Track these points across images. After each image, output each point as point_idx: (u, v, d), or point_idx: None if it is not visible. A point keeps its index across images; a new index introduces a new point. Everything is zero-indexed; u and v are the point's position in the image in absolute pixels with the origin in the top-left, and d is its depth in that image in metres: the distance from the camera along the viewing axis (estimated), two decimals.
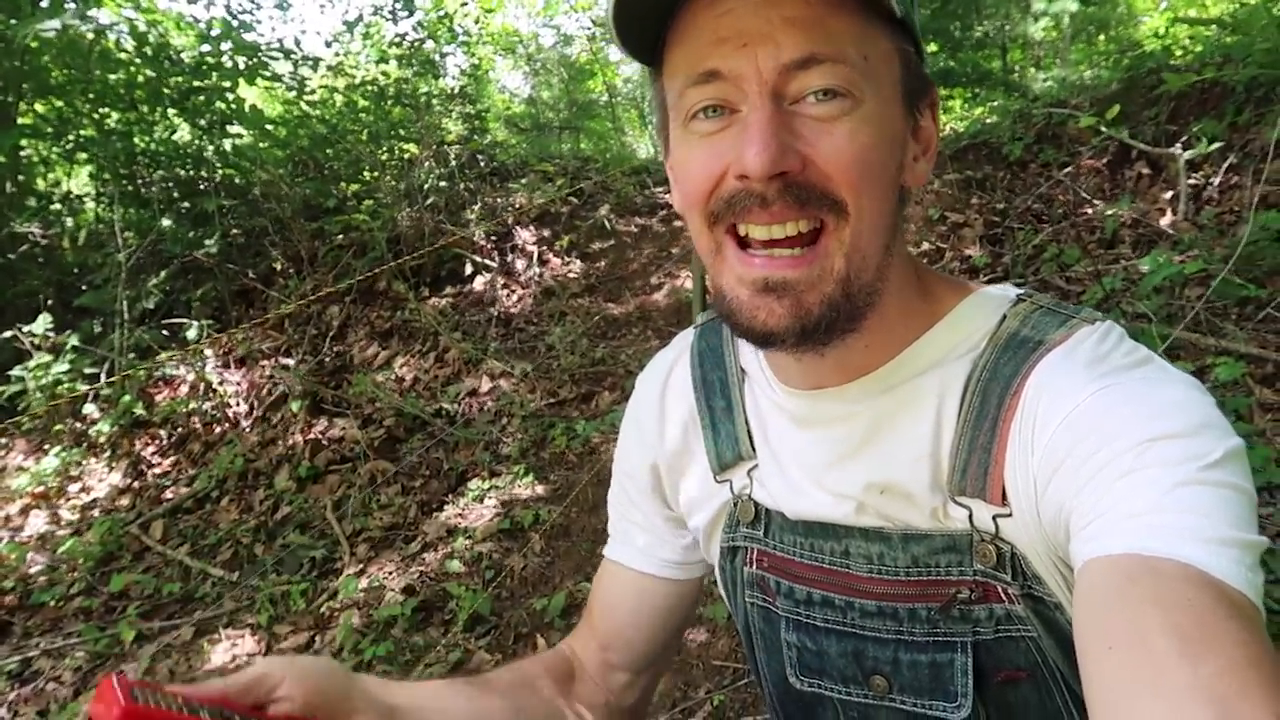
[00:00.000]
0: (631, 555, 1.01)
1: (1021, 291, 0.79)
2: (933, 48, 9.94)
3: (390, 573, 3.43)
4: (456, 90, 7.36)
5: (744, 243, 0.70)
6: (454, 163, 6.34)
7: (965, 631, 0.76)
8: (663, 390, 0.97)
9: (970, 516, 0.74)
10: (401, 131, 6.46)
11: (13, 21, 5.30)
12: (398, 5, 7.28)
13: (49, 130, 5.96)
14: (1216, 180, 4.27)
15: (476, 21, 8.19)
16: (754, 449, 0.87)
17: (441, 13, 7.64)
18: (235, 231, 5.87)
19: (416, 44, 7.16)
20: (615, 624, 1.01)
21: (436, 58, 7.43)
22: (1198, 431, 0.61)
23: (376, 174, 6.35)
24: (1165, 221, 4.24)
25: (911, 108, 0.73)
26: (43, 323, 4.94)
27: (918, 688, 0.79)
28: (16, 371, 4.77)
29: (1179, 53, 5.60)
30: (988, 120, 5.72)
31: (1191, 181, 4.31)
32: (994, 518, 0.72)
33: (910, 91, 0.72)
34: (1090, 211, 4.46)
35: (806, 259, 0.68)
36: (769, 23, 0.65)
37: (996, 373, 0.73)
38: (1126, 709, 0.51)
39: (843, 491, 0.80)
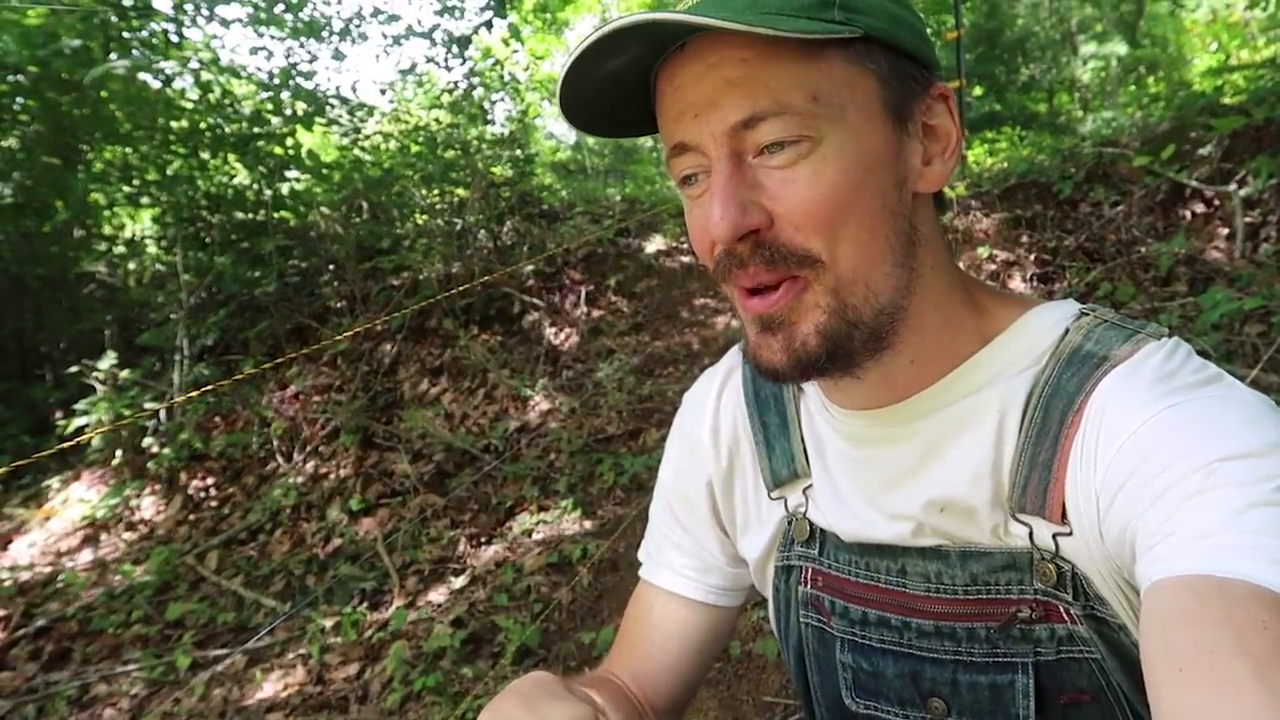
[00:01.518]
0: (677, 580, 0.97)
1: (1085, 306, 0.77)
2: (978, 91, 9.97)
3: (439, 605, 3.44)
4: (505, 135, 7.52)
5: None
6: (503, 205, 6.47)
7: (1026, 652, 0.74)
8: (715, 406, 0.95)
9: (1030, 534, 0.72)
10: (452, 175, 6.60)
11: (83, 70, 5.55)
12: (450, 54, 7.50)
13: (115, 176, 6.19)
14: (1275, 217, 4.21)
15: (526, 69, 8.38)
16: (809, 467, 0.86)
17: (492, 61, 7.83)
18: (291, 271, 6.02)
19: (467, 91, 7.34)
20: (657, 653, 0.96)
21: (486, 105, 7.61)
22: (1271, 451, 0.59)
23: (428, 216, 6.49)
24: (1221, 259, 4.18)
25: (900, 117, 0.70)
26: (107, 359, 5.10)
27: (977, 710, 0.77)
28: (81, 405, 4.92)
29: (1231, 93, 5.56)
30: (1037, 159, 5.70)
31: (1248, 219, 4.25)
32: (1054, 536, 0.70)
33: (896, 102, 0.70)
34: (1143, 250, 4.42)
35: (791, 290, 0.69)
36: (713, 88, 0.65)
37: (1059, 388, 0.71)
38: None
39: (900, 512, 0.78)
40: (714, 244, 0.70)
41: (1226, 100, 5.12)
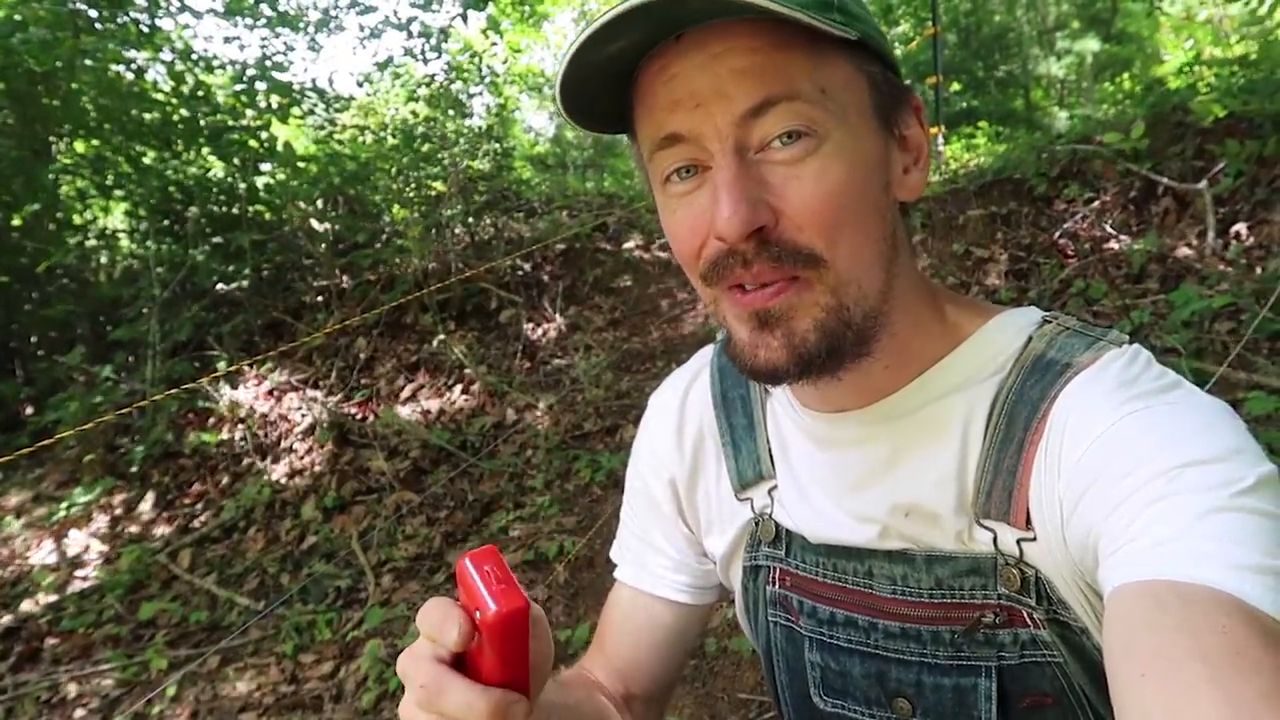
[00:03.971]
0: (647, 579, 0.98)
1: (1047, 314, 0.78)
2: (955, 87, 10.02)
3: (415, 603, 3.43)
4: (483, 129, 7.47)
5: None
6: (481, 199, 6.43)
7: (989, 656, 0.75)
8: (681, 406, 0.96)
9: (995, 540, 0.73)
10: (429, 168, 6.56)
11: (58, 64, 5.47)
12: (428, 47, 7.43)
13: (86, 168, 6.10)
14: (1244, 215, 4.25)
15: (504, 62, 8.33)
16: (774, 468, 0.87)
17: (470, 53, 7.78)
18: (266, 266, 5.97)
19: (445, 85, 7.29)
20: (631, 650, 0.98)
21: (464, 98, 7.56)
22: (1229, 457, 0.61)
23: (405, 210, 6.45)
24: (1192, 256, 4.22)
25: (888, 124, 0.72)
26: (77, 354, 5.03)
27: (941, 711, 0.78)
28: (53, 401, 4.85)
29: (1204, 89, 5.61)
30: (1012, 156, 5.73)
31: (1218, 216, 4.29)
32: (1018, 541, 0.71)
33: (884, 109, 0.71)
34: (1116, 246, 4.46)
35: (790, 287, 0.68)
36: (717, 78, 0.64)
37: (1023, 395, 0.72)
38: None
39: (866, 515, 0.79)
40: (704, 243, 0.69)
41: (1201, 98, 5.16)
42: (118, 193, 6.25)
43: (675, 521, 0.97)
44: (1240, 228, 4.22)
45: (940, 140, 6.56)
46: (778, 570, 0.88)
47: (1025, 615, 0.73)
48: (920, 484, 0.75)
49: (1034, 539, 0.70)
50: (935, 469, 0.75)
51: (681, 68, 0.66)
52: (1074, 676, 0.73)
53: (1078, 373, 0.70)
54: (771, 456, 0.87)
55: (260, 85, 6.42)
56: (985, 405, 0.73)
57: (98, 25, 5.81)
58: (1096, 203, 4.80)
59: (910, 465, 0.76)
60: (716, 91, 0.65)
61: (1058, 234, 4.69)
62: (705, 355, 0.99)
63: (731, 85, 0.64)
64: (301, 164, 6.49)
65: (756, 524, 0.89)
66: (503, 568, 0.58)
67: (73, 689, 3.25)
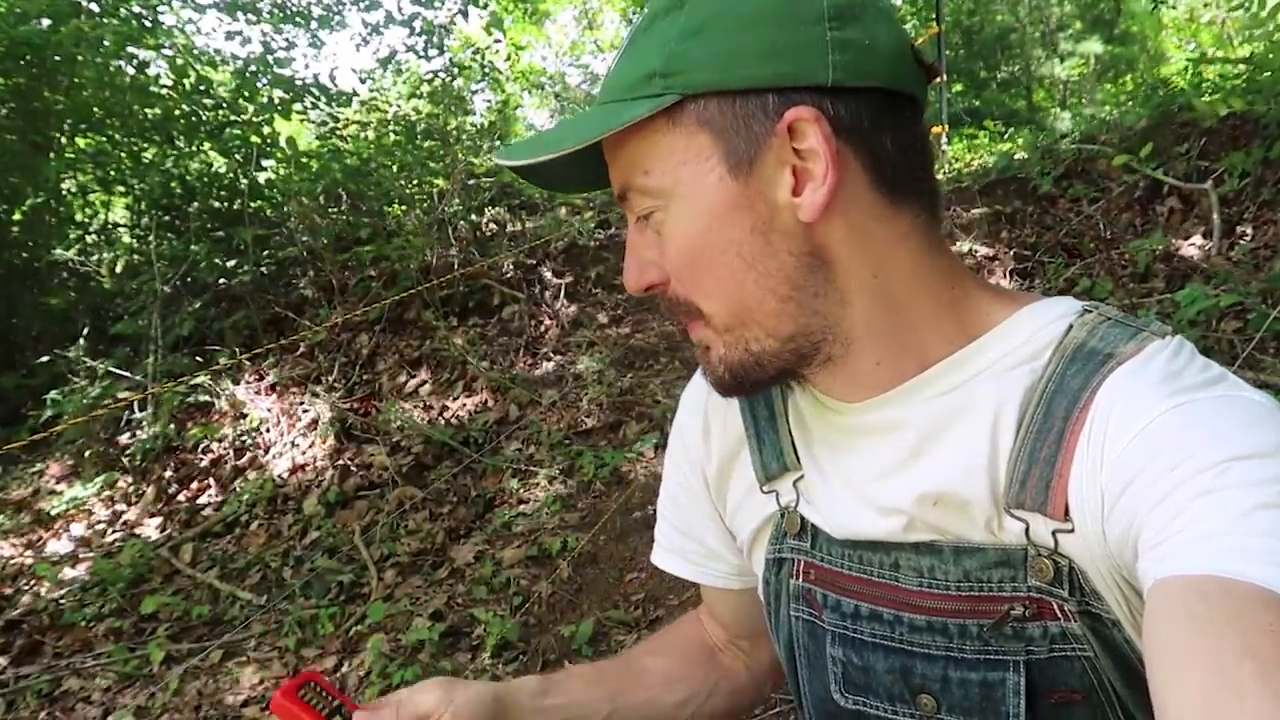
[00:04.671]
0: (690, 570, 1.03)
1: (1087, 303, 0.77)
2: (958, 87, 10.03)
3: (418, 598, 3.42)
4: (486, 126, 7.47)
5: None
6: (483, 196, 6.43)
7: (1018, 650, 0.73)
8: (707, 401, 0.95)
9: (1026, 530, 0.71)
10: (431, 165, 6.55)
11: (58, 58, 5.46)
12: (429, 43, 7.43)
13: (87, 163, 6.09)
14: (1249, 215, 4.25)
15: (507, 59, 8.33)
16: (799, 460, 0.85)
17: (472, 50, 7.78)
18: (267, 261, 5.96)
19: (446, 81, 7.29)
20: (717, 614, 1.08)
21: (466, 94, 7.55)
22: (1278, 452, 0.59)
23: (407, 207, 6.44)
24: (1198, 256, 4.22)
25: (747, 160, 0.68)
26: (79, 349, 5.02)
27: (967, 708, 0.76)
28: (53, 395, 4.84)
29: (1207, 89, 5.61)
30: (1016, 156, 5.73)
31: (1224, 216, 4.29)
32: (1054, 533, 0.70)
33: (737, 149, 0.68)
34: (1122, 246, 4.45)
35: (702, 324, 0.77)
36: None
37: (1063, 385, 0.70)
38: None
39: (892, 506, 0.77)
40: None
41: (1204, 98, 5.16)
42: (119, 188, 6.24)
43: (711, 517, 0.99)
44: (1246, 227, 4.23)
45: (944, 140, 6.56)
46: (801, 563, 0.87)
47: (1055, 607, 0.71)
48: (949, 472, 0.74)
49: (1071, 530, 0.69)
50: (964, 457, 0.73)
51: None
52: (1104, 672, 0.71)
53: (1121, 363, 0.69)
54: (795, 448, 0.86)
55: (262, 81, 6.42)
56: (1018, 394, 0.72)
57: (101, 20, 5.80)
58: (1102, 202, 4.80)
59: (937, 454, 0.75)
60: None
61: (1062, 233, 4.69)
62: None
63: (610, 173, 0.75)
64: (304, 160, 6.48)
65: (782, 516, 0.88)
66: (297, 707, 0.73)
67: (74, 683, 3.24)
